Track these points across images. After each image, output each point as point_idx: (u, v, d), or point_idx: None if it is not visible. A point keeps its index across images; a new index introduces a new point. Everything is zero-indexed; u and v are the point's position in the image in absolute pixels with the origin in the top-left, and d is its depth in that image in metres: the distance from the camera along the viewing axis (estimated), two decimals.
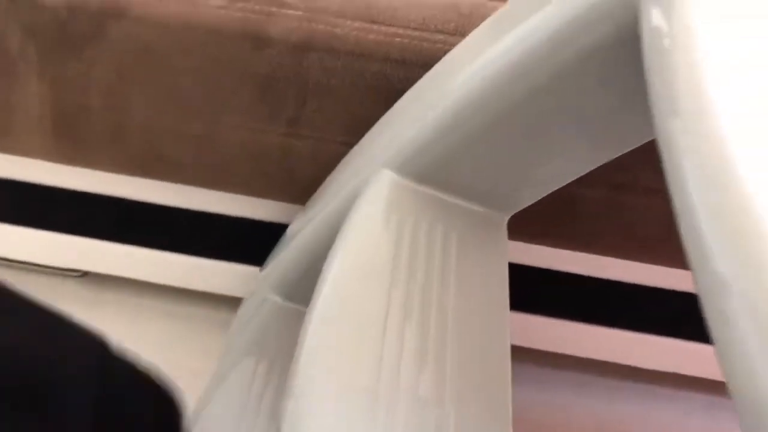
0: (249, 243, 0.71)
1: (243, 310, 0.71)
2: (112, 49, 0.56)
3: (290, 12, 0.54)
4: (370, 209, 0.46)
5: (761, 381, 0.19)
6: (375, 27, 0.54)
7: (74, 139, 0.62)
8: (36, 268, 0.78)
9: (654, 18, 0.31)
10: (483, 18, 0.50)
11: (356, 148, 0.55)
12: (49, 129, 0.61)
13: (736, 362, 0.20)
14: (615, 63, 0.40)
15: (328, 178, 0.59)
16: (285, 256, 0.62)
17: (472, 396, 0.39)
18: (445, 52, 0.52)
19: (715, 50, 0.28)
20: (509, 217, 0.49)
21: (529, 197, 0.48)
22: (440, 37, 0.53)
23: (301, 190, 0.63)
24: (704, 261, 0.21)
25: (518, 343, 0.64)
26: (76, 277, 0.81)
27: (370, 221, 0.46)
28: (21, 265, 0.77)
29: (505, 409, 0.39)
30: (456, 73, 0.47)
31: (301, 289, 0.61)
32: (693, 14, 0.30)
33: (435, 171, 0.48)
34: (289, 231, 0.67)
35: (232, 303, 0.75)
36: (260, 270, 0.72)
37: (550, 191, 0.48)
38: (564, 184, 0.47)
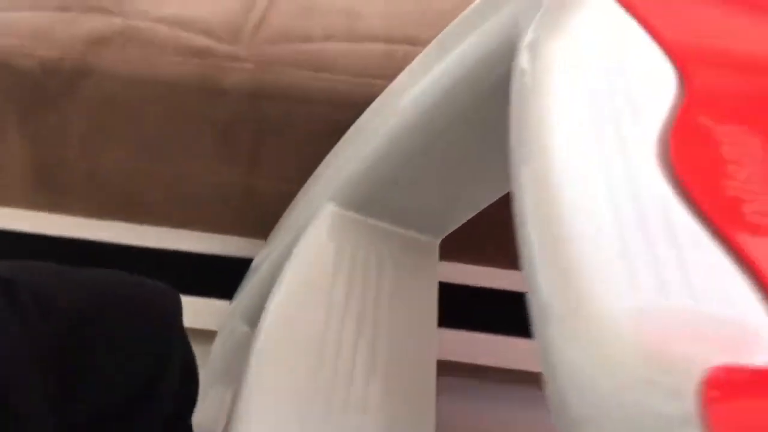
0: (219, 278, 0.76)
1: (216, 342, 0.75)
2: (83, 104, 0.62)
3: (242, 65, 0.60)
4: (313, 241, 0.51)
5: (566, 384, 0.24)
6: (320, 75, 0.60)
7: (53, 188, 0.67)
8: None
9: (523, 60, 0.36)
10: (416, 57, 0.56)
11: (306, 184, 0.60)
12: (30, 180, 0.66)
13: (553, 371, 0.24)
14: None
15: (285, 214, 0.64)
16: (250, 288, 0.67)
17: (399, 404, 0.43)
18: None
19: (567, 90, 0.33)
20: (440, 240, 0.53)
21: (457, 220, 0.53)
22: (379, 81, 0.59)
23: (263, 225, 0.68)
24: (534, 290, 0.26)
25: (455, 358, 0.68)
26: None
27: (312, 252, 0.51)
28: None
29: (429, 416, 0.43)
30: (384, 112, 0.52)
31: None
32: (555, 59, 0.35)
33: (372, 201, 0.53)
34: (253, 264, 0.72)
35: (207, 336, 0.79)
36: (231, 303, 0.77)
37: (476, 212, 0.53)
38: (488, 204, 0.52)
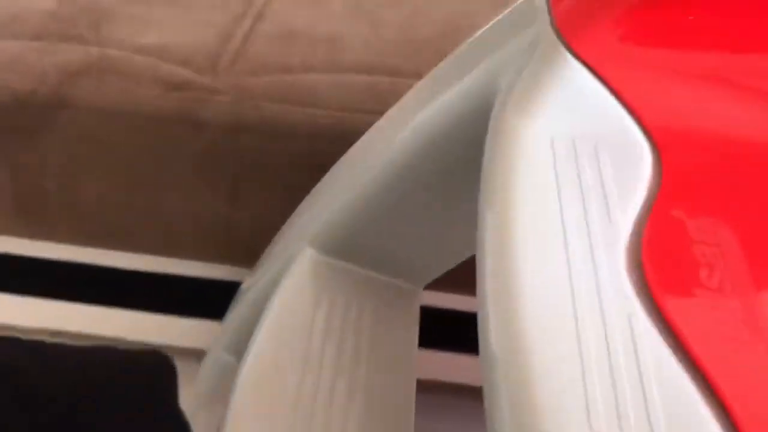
0: (209, 300, 0.75)
1: (203, 368, 0.75)
2: (60, 137, 0.61)
3: (220, 98, 0.58)
4: (291, 288, 0.50)
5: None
6: (299, 109, 0.58)
7: (33, 219, 0.66)
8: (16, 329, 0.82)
9: (494, 131, 0.35)
10: (399, 91, 0.54)
11: (289, 221, 0.59)
12: (10, 210, 0.65)
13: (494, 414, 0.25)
14: None
15: (269, 247, 0.63)
16: (233, 318, 0.67)
17: None
18: (364, 130, 0.56)
19: (536, 178, 0.32)
20: (422, 287, 0.52)
21: (441, 268, 0.52)
22: (359, 116, 0.58)
23: (247, 254, 0.67)
24: (484, 338, 0.26)
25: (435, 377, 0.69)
26: None
27: (290, 301, 0.50)
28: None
29: None
30: (365, 158, 0.51)
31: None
32: (526, 140, 0.34)
33: (352, 247, 0.52)
34: (240, 290, 0.71)
35: (196, 355, 0.79)
36: (220, 323, 0.76)
37: (461, 260, 0.52)
38: (473, 253, 0.51)
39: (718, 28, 0.35)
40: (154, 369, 0.45)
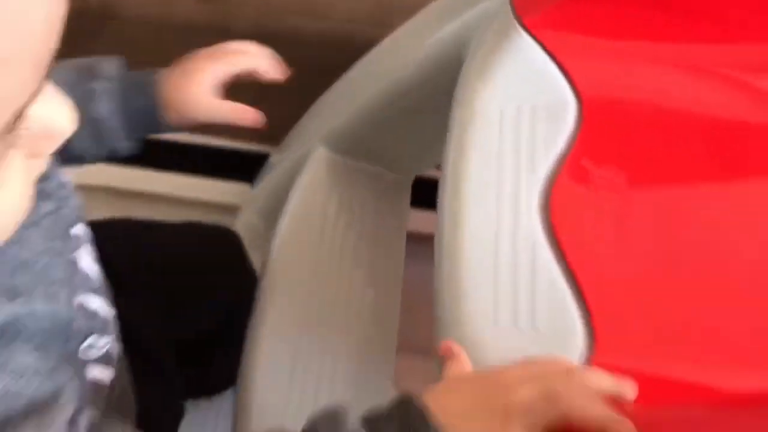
0: (241, 166, 0.88)
1: (237, 224, 0.89)
2: (109, 42, 0.71)
3: (247, 10, 0.67)
4: (308, 182, 0.63)
5: None
6: (315, 22, 0.67)
7: None
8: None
9: (462, 74, 0.45)
10: (402, 7, 0.63)
11: (305, 118, 0.70)
12: None
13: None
14: None
15: (289, 135, 0.75)
16: (263, 187, 0.80)
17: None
18: (368, 41, 0.65)
19: (484, 132, 0.43)
20: (413, 178, 0.65)
21: (428, 165, 0.64)
22: (367, 28, 0.67)
23: (272, 136, 0.78)
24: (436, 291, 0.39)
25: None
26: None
27: (308, 192, 0.63)
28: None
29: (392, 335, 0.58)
30: (371, 76, 0.61)
31: (274, 219, 0.79)
32: (479, 104, 0.44)
33: (358, 147, 0.64)
34: (269, 162, 0.84)
35: (229, 210, 0.94)
36: (252, 187, 0.90)
37: None
38: None
39: (660, 12, 0.43)
40: (228, 240, 0.60)
